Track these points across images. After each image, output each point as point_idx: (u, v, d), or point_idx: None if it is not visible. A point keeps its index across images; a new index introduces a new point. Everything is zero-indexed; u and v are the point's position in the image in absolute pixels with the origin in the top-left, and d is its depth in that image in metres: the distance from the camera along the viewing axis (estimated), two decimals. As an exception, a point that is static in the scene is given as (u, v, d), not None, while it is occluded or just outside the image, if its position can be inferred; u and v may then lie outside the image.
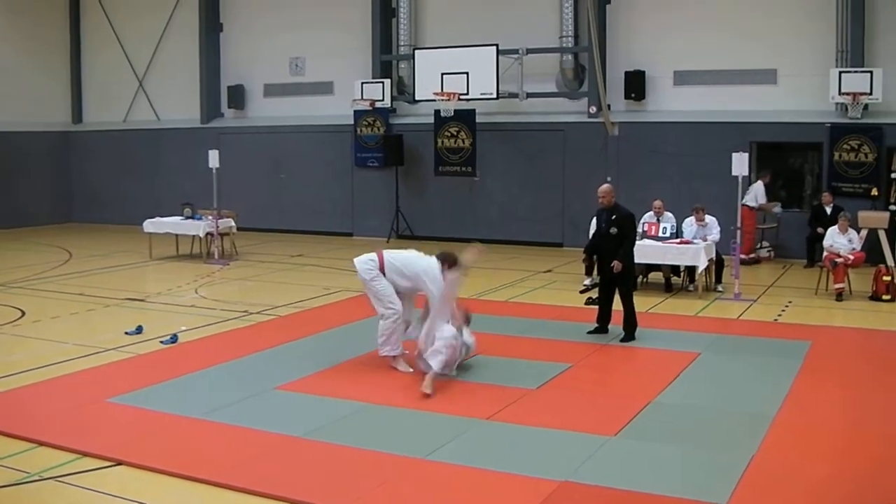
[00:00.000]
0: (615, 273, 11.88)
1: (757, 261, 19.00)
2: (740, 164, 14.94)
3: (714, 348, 11.52)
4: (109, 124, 27.95)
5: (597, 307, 12.34)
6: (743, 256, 18.58)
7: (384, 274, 10.45)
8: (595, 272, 13.48)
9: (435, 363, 9.70)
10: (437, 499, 6.82)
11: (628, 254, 12.08)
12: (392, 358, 10.51)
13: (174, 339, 12.09)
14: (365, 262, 10.57)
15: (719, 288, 15.72)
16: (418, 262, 10.57)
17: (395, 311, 10.40)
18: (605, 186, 12.30)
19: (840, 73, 18.33)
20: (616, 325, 12.18)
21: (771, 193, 19.56)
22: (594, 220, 12.83)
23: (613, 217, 12.01)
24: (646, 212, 16.12)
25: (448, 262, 10.42)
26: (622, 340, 11.91)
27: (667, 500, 6.69)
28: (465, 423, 8.53)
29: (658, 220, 15.98)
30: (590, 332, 12.20)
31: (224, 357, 11.03)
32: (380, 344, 10.51)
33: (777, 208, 19.40)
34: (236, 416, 8.73)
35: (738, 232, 15.21)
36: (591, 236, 12.82)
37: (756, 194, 19.00)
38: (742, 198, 15.85)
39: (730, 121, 19.65)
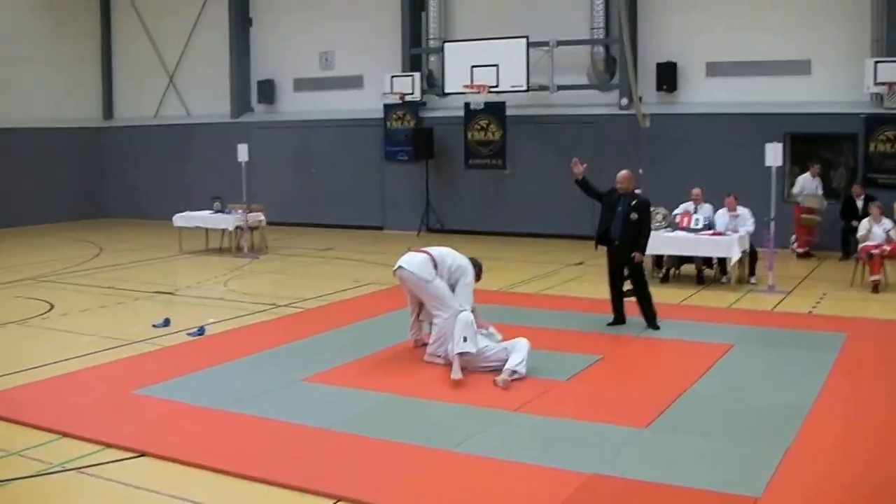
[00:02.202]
0: (634, 263, 11.89)
1: (808, 255, 18.61)
2: (774, 154, 14.71)
3: (747, 340, 11.33)
4: (140, 119, 28.02)
5: (633, 298, 12.21)
6: (799, 250, 18.41)
7: (436, 272, 10.33)
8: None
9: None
10: (464, 491, 6.70)
11: (646, 243, 12.14)
12: (432, 354, 10.33)
13: (201, 331, 12.04)
14: (422, 263, 10.29)
15: (752, 280, 15.50)
16: (458, 256, 10.61)
17: (453, 311, 10.12)
18: (624, 172, 12.17)
19: (875, 62, 17.99)
20: (632, 314, 12.13)
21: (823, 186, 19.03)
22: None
23: (634, 203, 11.90)
24: (679, 203, 15.99)
25: (479, 272, 10.74)
26: (648, 327, 11.92)
27: (699, 494, 6.55)
28: (493, 415, 8.42)
29: (696, 208, 15.80)
30: (609, 325, 12.14)
31: (251, 349, 10.96)
32: (435, 345, 10.21)
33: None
34: (262, 408, 8.65)
35: (772, 223, 14.94)
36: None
37: (801, 187, 18.64)
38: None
39: (763, 112, 19.36)
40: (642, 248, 12.02)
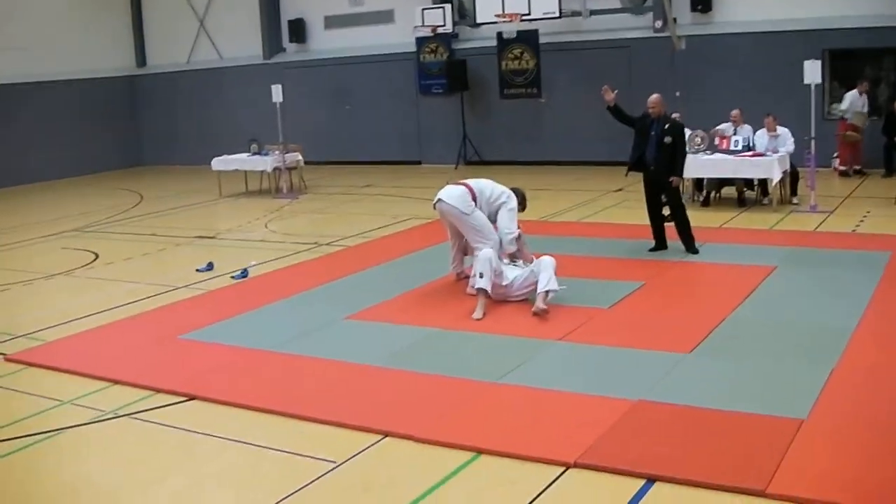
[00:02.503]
0: (670, 187, 11.79)
1: (860, 173, 18.28)
2: (813, 71, 14.47)
3: (790, 261, 11.23)
4: (173, 66, 27.99)
5: (672, 223, 12.13)
6: (843, 168, 18.13)
7: (475, 204, 10.29)
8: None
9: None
10: (512, 421, 6.73)
11: (682, 166, 12.00)
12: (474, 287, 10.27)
13: (244, 273, 12.13)
14: (462, 195, 10.23)
15: (794, 200, 15.36)
16: (497, 186, 10.56)
17: (494, 242, 10.12)
18: (655, 96, 11.95)
19: (916, -28, 17.62)
20: (673, 240, 12.03)
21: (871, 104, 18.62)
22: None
23: (667, 126, 11.75)
24: (716, 125, 15.80)
25: (523, 201, 10.68)
26: (687, 252, 11.85)
27: (745, 417, 6.54)
28: (538, 345, 8.44)
29: (735, 130, 15.62)
30: (651, 251, 12.07)
31: (294, 289, 11.04)
32: (475, 276, 10.02)
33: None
34: (307, 347, 8.75)
35: (813, 142, 14.75)
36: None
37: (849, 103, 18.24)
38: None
39: (801, 28, 18.99)
40: (679, 172, 11.90)
